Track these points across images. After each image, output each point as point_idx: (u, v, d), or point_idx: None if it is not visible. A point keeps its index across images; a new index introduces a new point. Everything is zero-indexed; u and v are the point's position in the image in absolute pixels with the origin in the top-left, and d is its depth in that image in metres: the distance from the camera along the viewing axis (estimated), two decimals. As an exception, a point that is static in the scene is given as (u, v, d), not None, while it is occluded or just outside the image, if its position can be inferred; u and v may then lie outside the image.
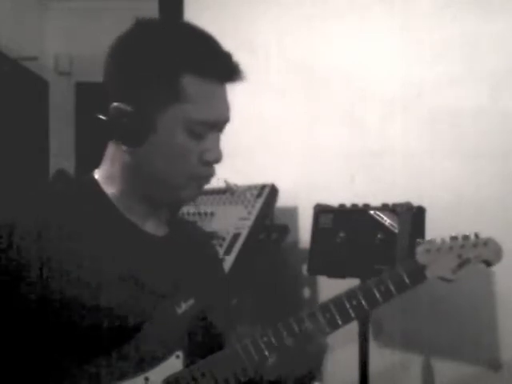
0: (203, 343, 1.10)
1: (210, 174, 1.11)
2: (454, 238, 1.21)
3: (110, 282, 1.01)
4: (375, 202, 2.04)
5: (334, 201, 2.16)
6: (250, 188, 2.38)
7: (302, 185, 2.52)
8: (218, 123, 1.09)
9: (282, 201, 2.45)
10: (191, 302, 1.07)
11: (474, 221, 2.19)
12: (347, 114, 2.49)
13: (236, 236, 2.27)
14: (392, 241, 1.94)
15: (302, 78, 2.57)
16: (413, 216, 1.94)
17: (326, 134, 2.53)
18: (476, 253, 1.21)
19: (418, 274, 1.17)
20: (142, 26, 1.10)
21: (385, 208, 1.99)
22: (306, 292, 2.57)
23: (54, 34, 4.66)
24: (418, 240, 1.21)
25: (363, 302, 1.13)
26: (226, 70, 1.07)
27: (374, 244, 1.97)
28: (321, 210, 2.17)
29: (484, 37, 2.24)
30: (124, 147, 1.06)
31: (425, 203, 1.98)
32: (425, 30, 2.35)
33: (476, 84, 2.24)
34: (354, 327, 1.95)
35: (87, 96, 4.62)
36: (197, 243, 1.24)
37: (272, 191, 2.38)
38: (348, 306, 1.12)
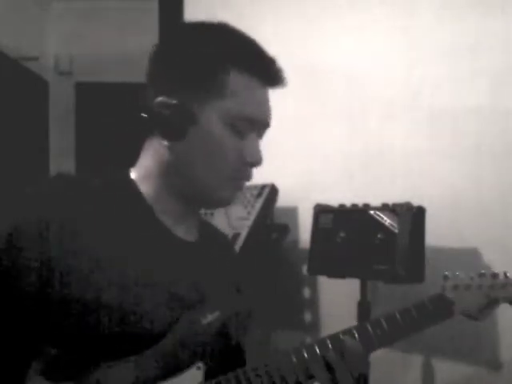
0: (225, 356, 1.08)
1: (247, 176, 1.09)
2: (482, 276, 1.21)
3: (137, 286, 0.99)
4: (375, 201, 2.04)
5: (333, 201, 2.16)
6: (250, 188, 2.38)
7: (301, 185, 2.52)
8: (260, 123, 1.08)
9: (282, 201, 2.45)
10: (217, 313, 1.06)
11: (474, 221, 2.19)
12: (347, 113, 2.49)
13: (236, 236, 2.27)
14: (392, 241, 1.94)
15: (302, 78, 2.56)
16: (413, 216, 1.94)
17: (326, 133, 2.53)
18: (504, 293, 1.21)
19: (446, 309, 1.16)
20: (188, 26, 1.11)
21: (385, 208, 1.99)
22: (306, 292, 2.57)
23: (54, 33, 4.66)
24: (445, 273, 1.20)
25: (387, 333, 1.13)
26: (270, 73, 1.07)
27: (374, 244, 1.97)
28: (321, 210, 2.17)
29: (484, 36, 2.24)
30: (165, 142, 1.05)
31: (425, 203, 1.98)
32: (425, 29, 2.35)
33: (476, 84, 2.24)
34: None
35: (87, 96, 4.65)
36: (224, 252, 1.23)
37: (272, 191, 2.39)
38: (372, 334, 1.11)
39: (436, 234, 2.05)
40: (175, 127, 1.04)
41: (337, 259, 2.08)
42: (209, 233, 1.20)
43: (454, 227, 2.21)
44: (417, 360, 2.28)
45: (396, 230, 1.94)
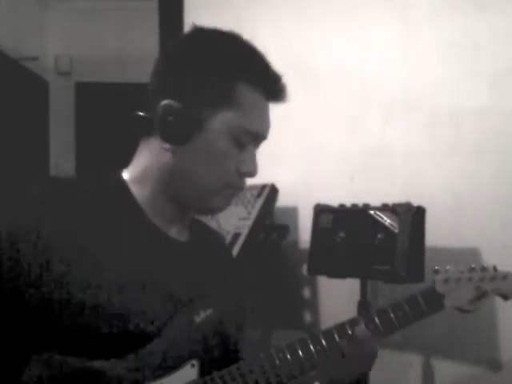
0: (219, 353, 1.09)
1: (241, 187, 1.11)
2: (472, 269, 1.23)
3: (130, 286, 0.99)
4: (375, 201, 2.04)
5: (333, 201, 2.16)
6: (250, 188, 2.38)
7: (301, 185, 2.52)
8: (260, 137, 1.10)
9: (282, 201, 2.45)
10: (210, 311, 1.07)
11: (473, 221, 2.19)
12: (347, 114, 2.49)
13: (236, 236, 2.27)
14: (392, 241, 1.94)
15: (302, 78, 2.57)
16: (413, 216, 1.94)
17: (326, 133, 2.53)
18: (494, 286, 1.23)
19: (437, 302, 1.18)
20: (200, 32, 1.11)
21: (385, 208, 1.99)
22: (306, 292, 2.57)
23: (54, 34, 4.67)
24: (436, 268, 1.21)
25: (380, 327, 1.14)
26: (275, 89, 1.10)
27: (373, 244, 1.97)
28: (321, 210, 2.16)
29: (484, 37, 2.24)
30: (167, 145, 1.05)
31: (425, 203, 1.98)
32: (425, 29, 2.36)
33: (476, 84, 2.24)
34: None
35: (87, 96, 4.66)
36: (217, 249, 1.23)
37: (272, 191, 2.38)
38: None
39: (436, 234, 2.05)
40: (180, 132, 1.04)
41: (337, 259, 2.08)
42: (201, 231, 1.21)
43: (454, 227, 2.21)
44: (417, 360, 2.28)
45: (396, 230, 1.94)
